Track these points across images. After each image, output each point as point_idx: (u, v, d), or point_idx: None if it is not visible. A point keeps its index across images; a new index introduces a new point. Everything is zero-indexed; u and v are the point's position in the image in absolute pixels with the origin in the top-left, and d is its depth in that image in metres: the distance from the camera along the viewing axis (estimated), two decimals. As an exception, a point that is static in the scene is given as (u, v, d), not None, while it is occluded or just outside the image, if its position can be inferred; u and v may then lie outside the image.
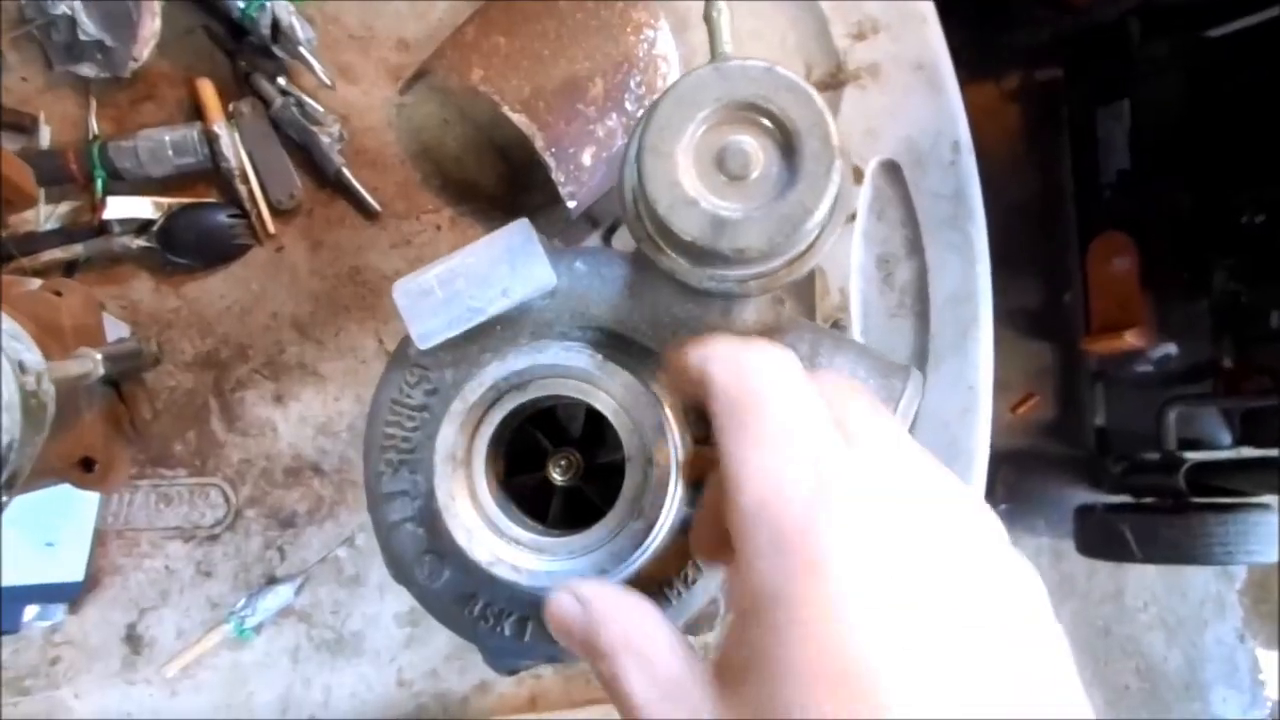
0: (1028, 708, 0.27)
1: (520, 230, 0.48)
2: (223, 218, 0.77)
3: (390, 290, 0.80)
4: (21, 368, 0.42)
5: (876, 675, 0.25)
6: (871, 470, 0.30)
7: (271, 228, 0.78)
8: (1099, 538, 1.50)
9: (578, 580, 0.35)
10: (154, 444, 0.76)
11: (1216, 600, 1.70)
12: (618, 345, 0.48)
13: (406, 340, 0.52)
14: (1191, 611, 1.68)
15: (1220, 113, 1.42)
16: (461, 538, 0.45)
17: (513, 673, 0.51)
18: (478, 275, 0.48)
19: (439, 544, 0.49)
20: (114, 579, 0.75)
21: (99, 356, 0.54)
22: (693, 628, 0.60)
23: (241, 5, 0.74)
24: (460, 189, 0.81)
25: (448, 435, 0.45)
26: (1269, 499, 1.46)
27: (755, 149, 0.38)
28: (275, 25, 0.74)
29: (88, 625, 0.75)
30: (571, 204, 0.75)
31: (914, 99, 0.78)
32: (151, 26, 0.75)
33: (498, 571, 0.44)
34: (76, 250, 0.76)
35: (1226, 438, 1.50)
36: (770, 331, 0.47)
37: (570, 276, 0.49)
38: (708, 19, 0.41)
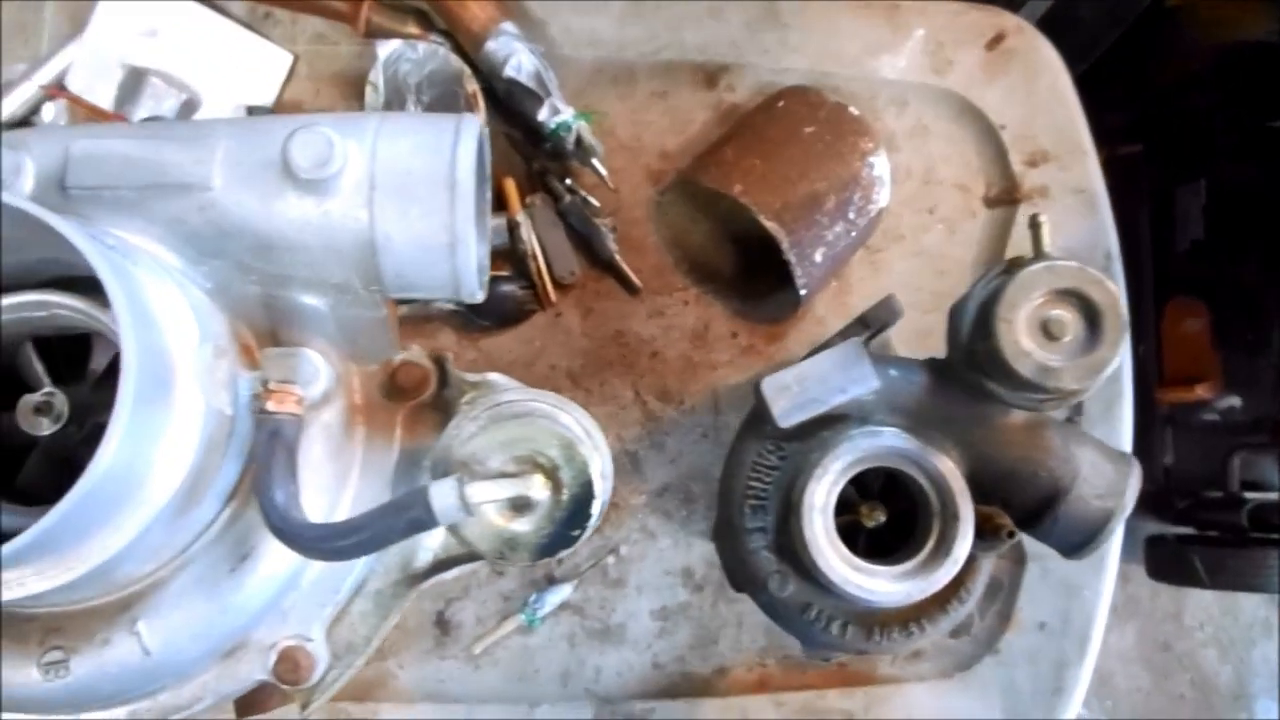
0: None
1: (854, 346, 0.68)
2: (515, 288, 0.97)
3: (647, 353, 1.01)
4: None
5: None
6: None
7: (554, 297, 0.97)
8: (1171, 565, 1.69)
9: None
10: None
11: (1265, 623, 1.89)
12: (918, 431, 0.68)
13: (754, 419, 0.72)
14: (1242, 633, 1.88)
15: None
16: (824, 564, 0.64)
17: (826, 660, 0.71)
18: (821, 376, 0.68)
19: (786, 565, 0.68)
20: (427, 574, 0.95)
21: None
22: (953, 632, 0.79)
23: (553, 125, 0.93)
24: (704, 272, 1.00)
25: (818, 493, 0.65)
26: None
27: (1069, 320, 0.58)
28: (579, 140, 0.94)
29: (406, 611, 0.94)
30: (803, 292, 0.94)
31: (1074, 217, 0.97)
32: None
33: (849, 590, 0.64)
34: (400, 310, 0.95)
35: (1284, 482, 1.69)
36: (1035, 425, 0.66)
37: (886, 379, 0.68)
38: (1033, 226, 0.60)
